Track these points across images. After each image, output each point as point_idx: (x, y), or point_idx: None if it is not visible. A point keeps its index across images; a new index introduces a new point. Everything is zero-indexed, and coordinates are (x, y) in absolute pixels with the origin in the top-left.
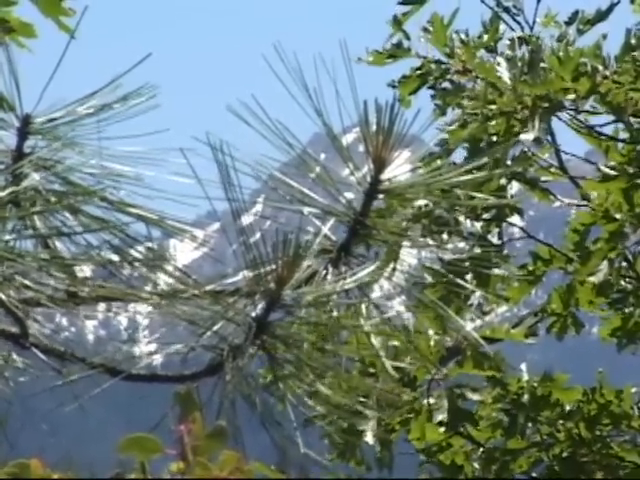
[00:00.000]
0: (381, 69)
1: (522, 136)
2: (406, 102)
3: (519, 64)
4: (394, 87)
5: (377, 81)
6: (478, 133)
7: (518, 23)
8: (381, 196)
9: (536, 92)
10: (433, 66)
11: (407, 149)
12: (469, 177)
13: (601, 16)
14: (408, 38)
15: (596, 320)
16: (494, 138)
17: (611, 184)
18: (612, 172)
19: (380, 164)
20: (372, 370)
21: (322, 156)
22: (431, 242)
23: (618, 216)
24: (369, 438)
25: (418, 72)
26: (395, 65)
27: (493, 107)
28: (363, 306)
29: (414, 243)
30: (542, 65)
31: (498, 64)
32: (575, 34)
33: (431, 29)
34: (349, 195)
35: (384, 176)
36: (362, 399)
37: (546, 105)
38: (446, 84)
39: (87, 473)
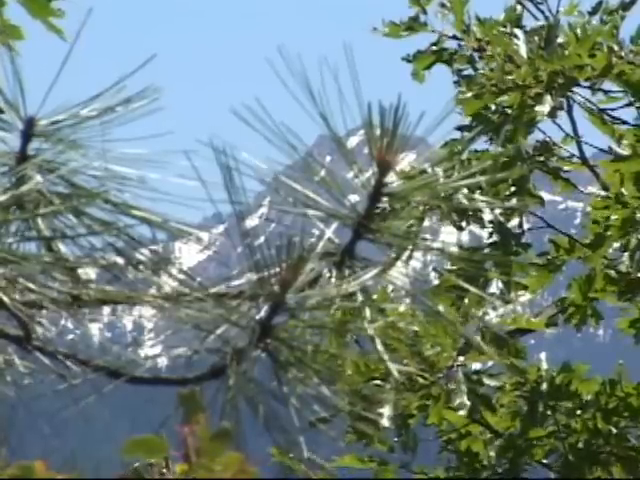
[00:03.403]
0: (386, 69)
1: (538, 108)
2: (420, 77)
3: (536, 39)
4: (409, 62)
5: (381, 82)
6: (491, 104)
7: (541, 12)
8: (385, 199)
9: (552, 67)
10: (449, 43)
11: (412, 151)
12: (475, 180)
13: (625, 7)
14: (425, 13)
15: (603, 321)
16: (508, 111)
17: (624, 165)
18: (624, 152)
19: (384, 167)
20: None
21: (327, 158)
22: (436, 245)
23: (631, 202)
24: (385, 421)
25: (433, 47)
26: (399, 61)
27: (509, 78)
28: (367, 309)
29: (419, 246)
30: (559, 41)
31: (515, 36)
32: (598, 24)
33: (449, 5)
34: (355, 198)
35: (388, 179)
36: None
37: (561, 81)
38: (470, 71)
39: (92, 474)
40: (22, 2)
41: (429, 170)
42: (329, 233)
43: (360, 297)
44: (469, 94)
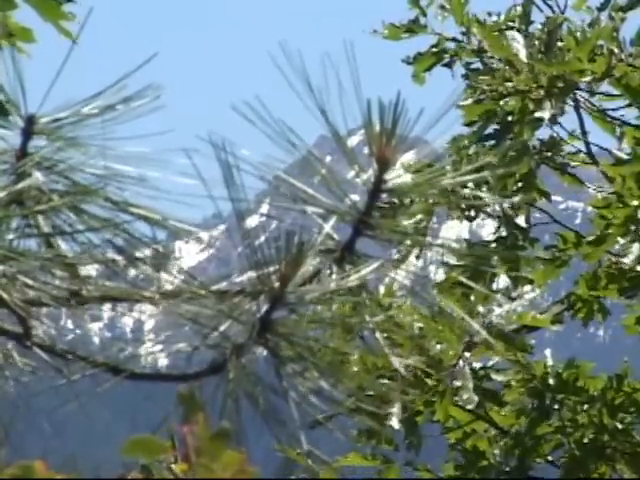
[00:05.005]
0: (387, 71)
1: (537, 114)
2: (420, 79)
3: (536, 43)
4: (409, 63)
5: (382, 83)
6: (492, 110)
7: (549, 7)
8: (385, 195)
9: (552, 72)
10: (449, 44)
11: (412, 149)
12: (475, 176)
13: (634, 3)
14: (425, 15)
15: (603, 321)
16: (509, 117)
17: (624, 168)
18: (625, 156)
19: (384, 163)
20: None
21: (327, 159)
22: (435, 242)
23: (633, 202)
24: (394, 423)
25: (433, 49)
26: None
27: (509, 85)
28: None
29: (418, 243)
30: (559, 45)
31: (514, 40)
32: (607, 21)
33: (448, 7)
34: (355, 197)
35: (388, 175)
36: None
37: (561, 85)
38: (478, 65)
39: (92, 474)
40: (34, 5)
41: (430, 167)
42: (328, 228)
43: (361, 291)
44: (469, 100)
